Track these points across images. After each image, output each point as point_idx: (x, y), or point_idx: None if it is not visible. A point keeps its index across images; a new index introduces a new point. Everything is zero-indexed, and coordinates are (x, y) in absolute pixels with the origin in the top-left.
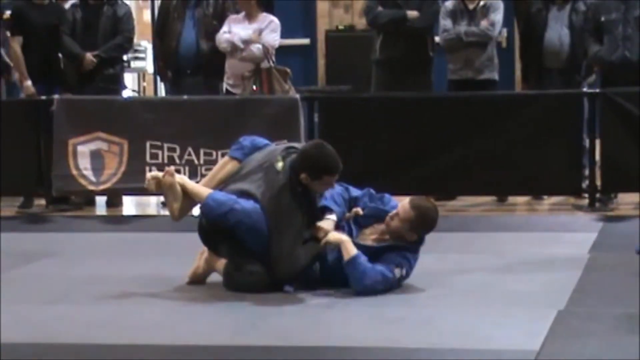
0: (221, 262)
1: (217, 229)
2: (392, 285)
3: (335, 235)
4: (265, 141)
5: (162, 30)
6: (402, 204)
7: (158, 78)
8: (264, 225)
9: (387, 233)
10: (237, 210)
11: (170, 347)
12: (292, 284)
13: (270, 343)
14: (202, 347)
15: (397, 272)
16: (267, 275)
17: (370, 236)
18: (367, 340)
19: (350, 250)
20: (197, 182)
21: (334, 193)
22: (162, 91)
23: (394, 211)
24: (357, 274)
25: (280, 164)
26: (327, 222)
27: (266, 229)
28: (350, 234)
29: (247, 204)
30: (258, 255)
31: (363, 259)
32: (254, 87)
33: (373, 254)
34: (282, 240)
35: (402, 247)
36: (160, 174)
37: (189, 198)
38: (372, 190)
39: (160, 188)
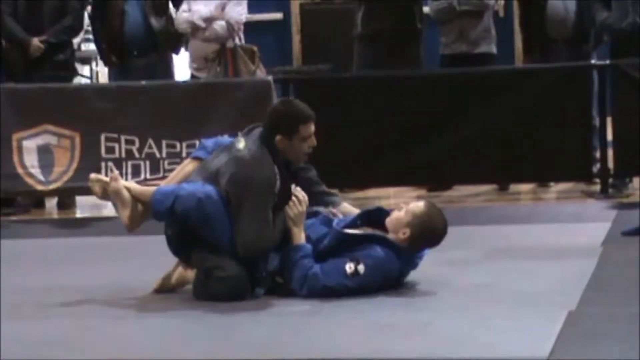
0: (194, 274)
1: (184, 238)
2: (330, 289)
3: (294, 212)
4: (231, 139)
5: (101, 9)
6: (417, 201)
7: (102, 65)
8: (218, 207)
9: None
10: (182, 196)
11: None
12: (262, 287)
13: (245, 357)
14: None
15: (348, 267)
16: (240, 281)
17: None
18: (354, 351)
19: (296, 238)
20: (161, 178)
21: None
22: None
23: (403, 205)
24: (288, 266)
25: (242, 144)
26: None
27: (221, 211)
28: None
29: (193, 186)
30: (222, 248)
31: (301, 253)
32: (218, 70)
33: (344, 241)
34: (249, 220)
35: (377, 240)
36: (104, 178)
37: (140, 204)
38: None
39: (106, 194)
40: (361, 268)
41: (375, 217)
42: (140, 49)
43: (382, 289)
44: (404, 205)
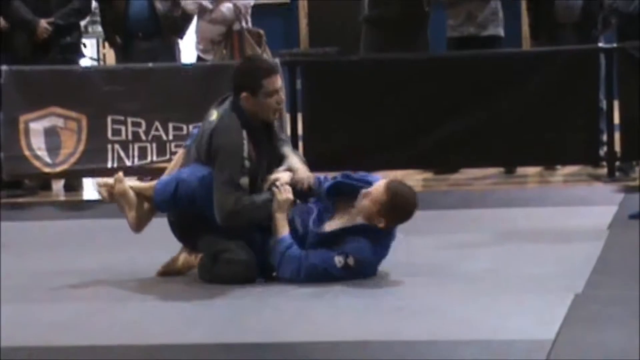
0: (199, 257)
1: (188, 223)
2: (329, 276)
3: (280, 197)
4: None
5: None
6: (378, 183)
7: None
8: None
9: (358, 212)
10: (184, 179)
11: (142, 348)
12: (263, 274)
13: (252, 340)
14: (177, 346)
15: (338, 260)
16: (248, 264)
17: (339, 220)
18: (360, 334)
19: (280, 228)
20: (167, 161)
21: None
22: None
23: (369, 189)
24: (276, 259)
25: (214, 116)
26: (284, 174)
27: None
28: (319, 220)
29: (192, 169)
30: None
31: (286, 243)
32: (224, 52)
33: (326, 238)
34: (218, 185)
35: (362, 230)
36: (110, 181)
37: (144, 203)
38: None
39: (113, 197)
40: (351, 261)
41: (344, 188)
42: (144, 32)
43: (390, 274)
44: (367, 194)
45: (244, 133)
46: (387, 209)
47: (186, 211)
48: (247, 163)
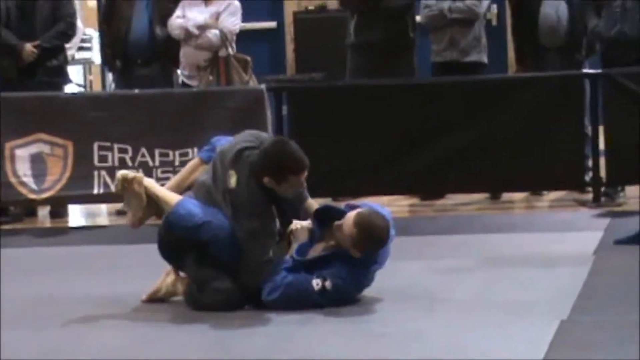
0: (184, 284)
1: (181, 243)
2: (308, 298)
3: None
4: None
5: (109, 14)
6: (347, 216)
7: (106, 70)
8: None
9: (335, 243)
10: (211, 223)
11: None
12: (252, 301)
13: None
14: None
15: (315, 283)
16: (237, 292)
17: (319, 248)
18: None
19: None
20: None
21: None
22: (110, 84)
23: (340, 222)
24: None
25: (233, 178)
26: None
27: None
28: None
29: (221, 217)
30: (229, 268)
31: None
32: (210, 78)
33: (307, 266)
34: (252, 264)
35: (341, 257)
36: (131, 175)
37: (150, 205)
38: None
39: (125, 191)
40: (328, 285)
41: (329, 214)
42: (143, 57)
43: (377, 299)
44: (338, 227)
45: (273, 209)
46: (357, 241)
47: (191, 240)
48: (277, 237)
